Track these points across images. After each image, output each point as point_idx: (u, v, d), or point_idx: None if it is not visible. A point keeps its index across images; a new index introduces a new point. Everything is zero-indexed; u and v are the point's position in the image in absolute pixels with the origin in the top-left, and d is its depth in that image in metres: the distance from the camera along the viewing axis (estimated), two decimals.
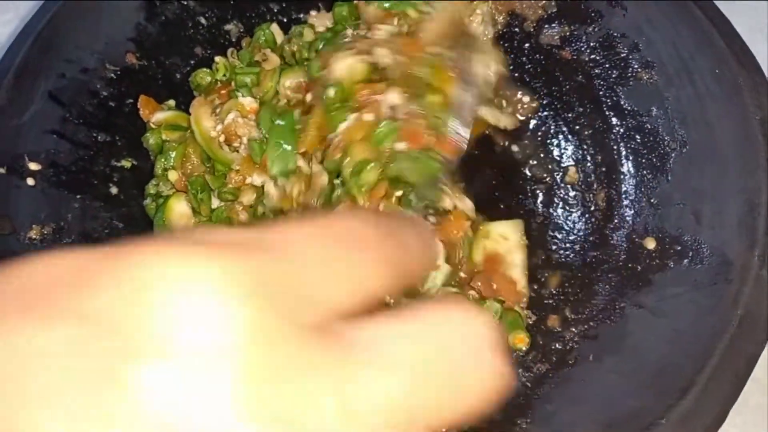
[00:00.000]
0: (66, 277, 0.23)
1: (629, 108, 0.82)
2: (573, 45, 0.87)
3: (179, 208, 0.78)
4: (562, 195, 0.83)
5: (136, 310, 0.22)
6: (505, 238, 0.76)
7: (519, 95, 0.89)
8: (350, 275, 0.25)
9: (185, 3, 0.91)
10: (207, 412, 0.21)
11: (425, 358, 0.25)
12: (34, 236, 0.73)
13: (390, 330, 0.25)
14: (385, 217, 0.30)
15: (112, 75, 0.85)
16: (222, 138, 0.79)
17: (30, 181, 0.76)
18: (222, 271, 0.22)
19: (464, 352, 0.26)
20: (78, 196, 0.78)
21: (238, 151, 0.79)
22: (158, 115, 0.85)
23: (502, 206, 0.85)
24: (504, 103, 0.87)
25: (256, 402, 0.20)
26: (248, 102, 0.82)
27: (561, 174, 0.84)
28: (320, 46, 0.85)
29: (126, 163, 0.84)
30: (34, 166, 0.76)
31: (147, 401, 0.21)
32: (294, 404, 0.21)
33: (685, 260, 0.71)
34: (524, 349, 0.73)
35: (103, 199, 0.80)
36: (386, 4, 0.83)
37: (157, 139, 0.84)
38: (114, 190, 0.82)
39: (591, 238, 0.79)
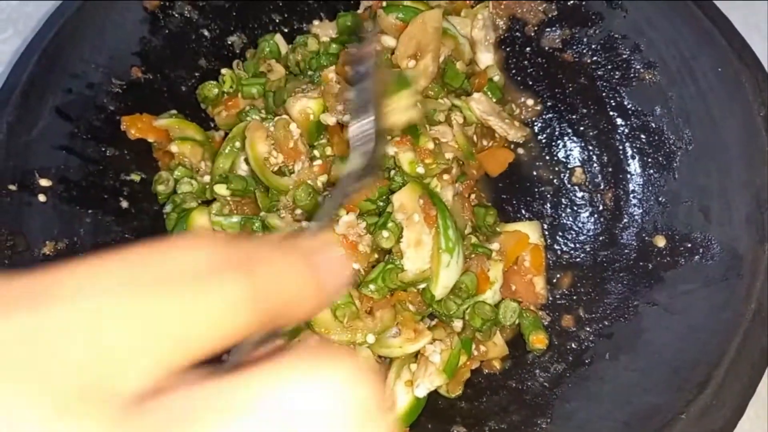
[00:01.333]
0: None
1: (633, 108, 0.83)
2: (574, 47, 0.88)
3: (200, 221, 0.78)
4: (569, 196, 0.84)
5: None
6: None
7: (522, 99, 0.90)
8: (159, 327, 0.20)
9: (188, 16, 0.91)
10: None
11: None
12: (48, 252, 0.73)
13: (213, 402, 0.20)
14: (246, 244, 0.23)
15: (118, 89, 0.85)
16: (280, 159, 0.78)
17: (41, 198, 0.76)
18: None
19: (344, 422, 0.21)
20: (89, 211, 0.78)
21: (292, 173, 0.78)
22: (160, 121, 0.85)
23: (509, 209, 0.85)
24: (513, 106, 0.88)
25: None
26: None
27: (567, 175, 0.85)
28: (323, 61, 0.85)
29: (135, 177, 0.84)
30: (44, 182, 0.76)
31: None
32: None
33: (696, 257, 0.72)
34: (542, 349, 0.74)
35: (114, 213, 0.81)
36: (401, 15, 0.84)
37: (165, 187, 0.83)
38: (125, 204, 0.82)
39: (601, 238, 0.80)
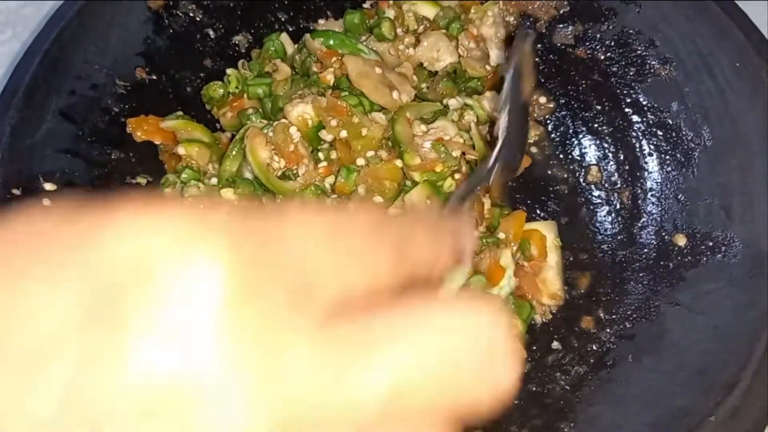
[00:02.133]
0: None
1: (649, 104, 0.81)
2: (587, 44, 0.86)
3: None
4: (585, 195, 0.83)
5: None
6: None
7: (534, 97, 0.89)
8: (354, 266, 0.25)
9: (193, 15, 0.89)
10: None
11: (433, 349, 0.24)
12: None
13: (392, 319, 0.24)
14: (401, 214, 0.28)
15: (123, 91, 0.83)
16: (282, 164, 0.76)
17: (46, 202, 0.73)
18: (219, 234, 0.23)
19: (475, 352, 0.25)
20: None
21: (297, 177, 0.76)
22: (166, 123, 0.83)
23: (523, 209, 0.83)
24: None
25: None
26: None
27: (583, 174, 0.84)
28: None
29: (142, 180, 0.82)
30: (49, 186, 0.74)
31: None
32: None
33: (718, 255, 0.71)
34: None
35: None
36: (330, 41, 0.83)
37: (172, 190, 0.80)
38: None
39: (619, 237, 0.79)
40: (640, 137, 0.81)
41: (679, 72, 0.79)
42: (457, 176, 0.76)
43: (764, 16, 1.00)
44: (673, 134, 0.79)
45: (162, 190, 0.81)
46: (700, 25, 0.78)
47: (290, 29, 0.94)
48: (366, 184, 0.74)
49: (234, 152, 0.80)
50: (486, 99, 0.82)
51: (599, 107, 0.85)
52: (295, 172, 0.77)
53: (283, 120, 0.78)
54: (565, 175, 0.84)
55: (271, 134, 0.77)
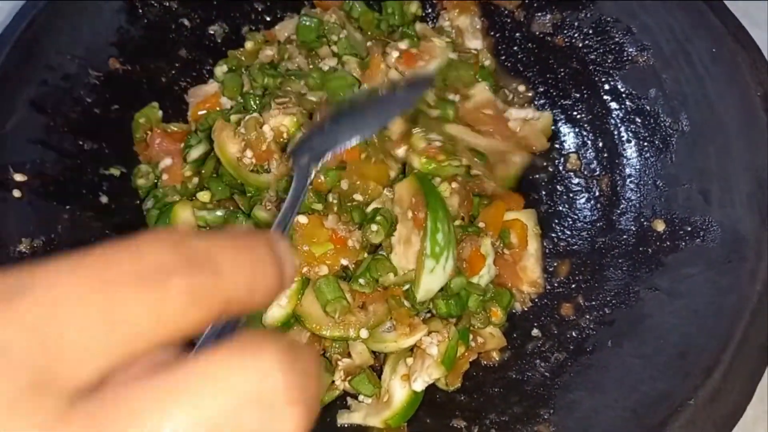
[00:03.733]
0: None
1: (627, 91, 0.81)
2: (566, 32, 0.86)
3: (184, 215, 0.75)
4: (565, 183, 0.82)
5: None
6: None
7: (514, 85, 0.88)
8: (123, 320, 0.22)
9: (167, 4, 0.88)
10: None
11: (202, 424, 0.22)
12: (24, 250, 0.70)
13: (159, 394, 0.22)
14: (195, 238, 0.25)
15: (96, 81, 0.82)
16: (253, 159, 0.73)
17: (16, 193, 0.72)
18: None
19: (254, 412, 0.22)
20: (67, 207, 0.75)
21: (269, 170, 0.74)
22: (172, 126, 0.82)
23: None
24: (506, 92, 0.85)
25: None
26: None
27: (562, 161, 0.83)
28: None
29: (115, 171, 0.80)
30: (19, 177, 0.73)
31: None
32: None
33: (697, 240, 0.70)
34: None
35: (94, 209, 0.77)
36: None
37: (145, 181, 0.80)
38: (104, 199, 0.78)
39: (598, 224, 0.78)
40: (619, 124, 0.81)
41: (656, 59, 0.79)
42: (454, 185, 0.73)
43: (764, 16, 1.01)
44: (652, 121, 0.78)
45: (134, 181, 0.80)
46: (677, 12, 0.78)
47: (267, 19, 0.93)
48: (351, 180, 0.73)
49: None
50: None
51: (578, 95, 0.85)
52: (266, 167, 0.75)
53: (255, 114, 0.76)
54: (545, 164, 0.84)
55: (242, 130, 0.75)
